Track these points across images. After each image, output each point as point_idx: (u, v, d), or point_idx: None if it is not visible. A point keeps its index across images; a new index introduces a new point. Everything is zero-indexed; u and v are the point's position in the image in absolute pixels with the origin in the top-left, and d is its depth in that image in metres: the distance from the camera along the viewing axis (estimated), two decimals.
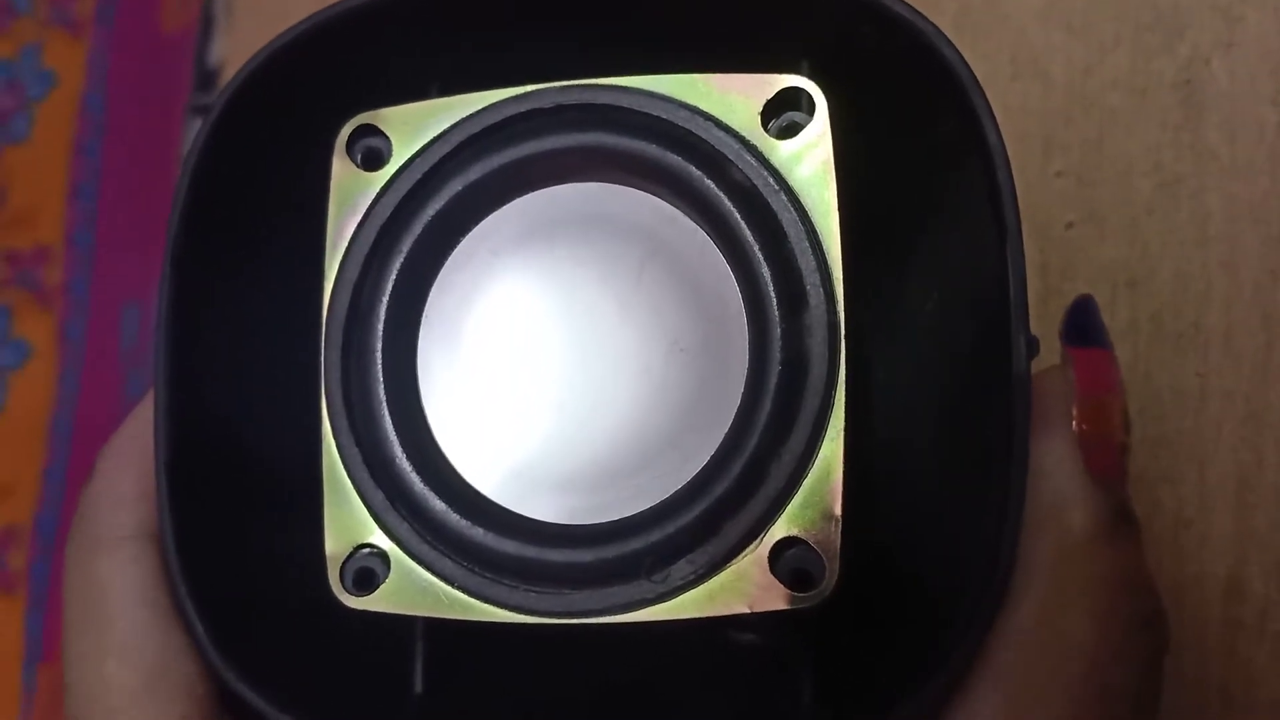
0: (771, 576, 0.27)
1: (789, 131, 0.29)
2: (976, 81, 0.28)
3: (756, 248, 0.28)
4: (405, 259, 0.30)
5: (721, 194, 0.29)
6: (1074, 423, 0.30)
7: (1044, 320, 0.29)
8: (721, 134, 0.29)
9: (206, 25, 0.73)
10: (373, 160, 0.31)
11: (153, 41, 0.79)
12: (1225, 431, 0.38)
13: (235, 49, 0.69)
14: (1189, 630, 0.38)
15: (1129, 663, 0.28)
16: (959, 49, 0.28)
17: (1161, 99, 0.40)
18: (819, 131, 0.29)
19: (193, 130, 0.72)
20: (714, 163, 0.29)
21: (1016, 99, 0.43)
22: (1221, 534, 0.38)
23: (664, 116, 0.29)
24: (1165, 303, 0.40)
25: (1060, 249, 0.41)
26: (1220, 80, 0.40)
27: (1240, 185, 0.39)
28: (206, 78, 0.73)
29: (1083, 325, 0.32)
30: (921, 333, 0.31)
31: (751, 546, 0.28)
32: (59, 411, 0.78)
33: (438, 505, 0.29)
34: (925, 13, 0.29)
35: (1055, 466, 0.29)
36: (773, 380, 0.28)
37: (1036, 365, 0.27)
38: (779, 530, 0.28)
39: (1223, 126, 0.40)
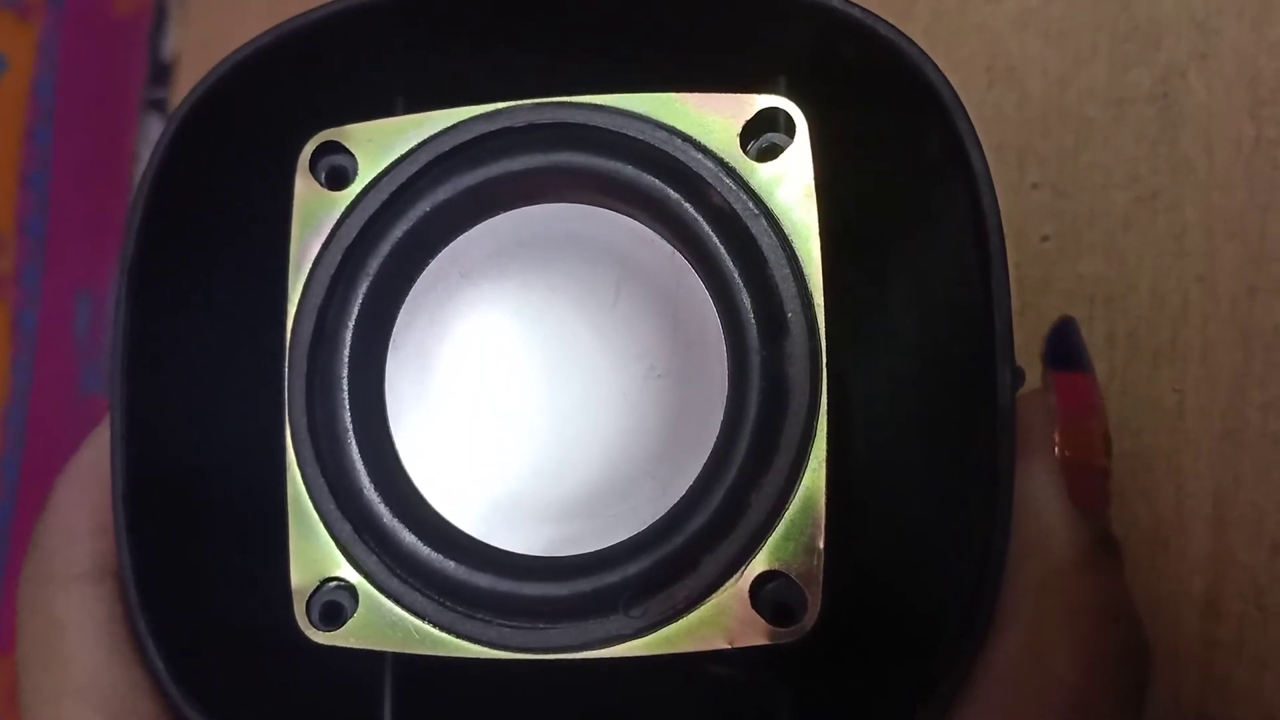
0: (752, 611, 0.27)
1: (769, 154, 0.28)
2: (961, 104, 0.27)
3: (736, 273, 0.28)
4: (372, 282, 0.29)
5: (700, 218, 0.28)
6: (1056, 448, 0.29)
7: (1018, 333, 0.28)
8: (699, 155, 0.28)
9: (159, 15, 0.71)
10: (337, 179, 0.30)
11: (104, 25, 0.77)
12: (1203, 449, 0.38)
13: (190, 42, 0.68)
14: (1166, 649, 0.37)
15: (1112, 696, 0.28)
16: (937, 64, 0.28)
17: (1139, 111, 0.40)
18: (800, 154, 0.28)
19: (148, 125, 0.71)
20: (692, 185, 0.28)
21: (992, 109, 0.42)
22: (1199, 552, 0.38)
23: (640, 137, 0.28)
24: (1142, 318, 0.39)
25: (1036, 262, 0.41)
26: (1197, 92, 0.39)
27: (1218, 198, 0.39)
28: (161, 70, 0.71)
29: (1065, 348, 0.31)
30: (904, 354, 0.31)
31: (731, 580, 0.27)
32: (13, 403, 0.76)
33: (407, 537, 0.28)
34: (898, 19, 0.28)
35: (1038, 494, 0.28)
36: (753, 409, 0.27)
37: None
38: (760, 564, 0.27)
39: (1200, 139, 0.39)
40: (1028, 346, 0.31)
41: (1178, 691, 0.37)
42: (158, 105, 0.72)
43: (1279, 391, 0.37)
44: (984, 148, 0.27)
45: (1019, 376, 0.27)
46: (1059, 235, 0.41)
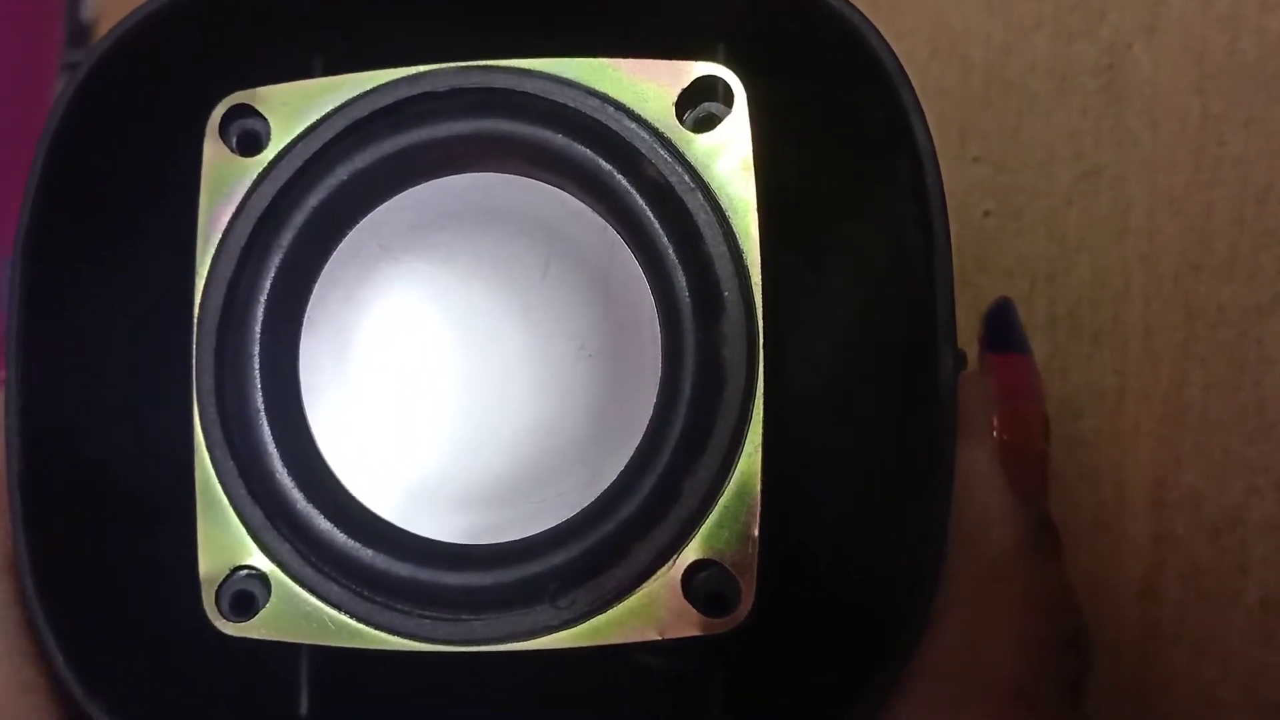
0: (684, 601, 0.26)
1: (706, 124, 0.27)
2: (906, 76, 0.26)
3: (670, 250, 0.26)
4: (285, 254, 0.28)
5: (633, 190, 0.27)
6: (995, 432, 0.29)
7: (958, 312, 0.27)
8: (633, 125, 0.27)
9: None
10: (249, 144, 0.28)
11: None
12: (1143, 431, 0.38)
13: (110, 4, 0.65)
14: (1105, 633, 0.37)
15: (1052, 685, 0.27)
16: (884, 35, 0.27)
17: (1082, 84, 0.39)
18: (738, 124, 0.27)
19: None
20: (625, 156, 0.27)
21: (934, 80, 0.41)
22: (1138, 536, 0.37)
23: (570, 104, 0.27)
24: (1084, 297, 0.38)
25: (976, 239, 0.40)
26: (1143, 66, 0.39)
27: (1161, 175, 0.38)
28: (79, 33, 0.69)
29: (1002, 330, 0.31)
30: (843, 335, 0.30)
31: (663, 569, 0.26)
32: None
33: (322, 524, 0.27)
34: None
35: (977, 479, 0.28)
36: (687, 392, 0.26)
37: None
38: (692, 552, 0.26)
39: (1144, 114, 0.38)
40: (965, 325, 0.30)
41: (1117, 677, 0.37)
42: (76, 69, 0.69)
43: (1221, 373, 0.37)
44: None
45: (961, 360, 0.26)
46: (1000, 211, 0.40)
